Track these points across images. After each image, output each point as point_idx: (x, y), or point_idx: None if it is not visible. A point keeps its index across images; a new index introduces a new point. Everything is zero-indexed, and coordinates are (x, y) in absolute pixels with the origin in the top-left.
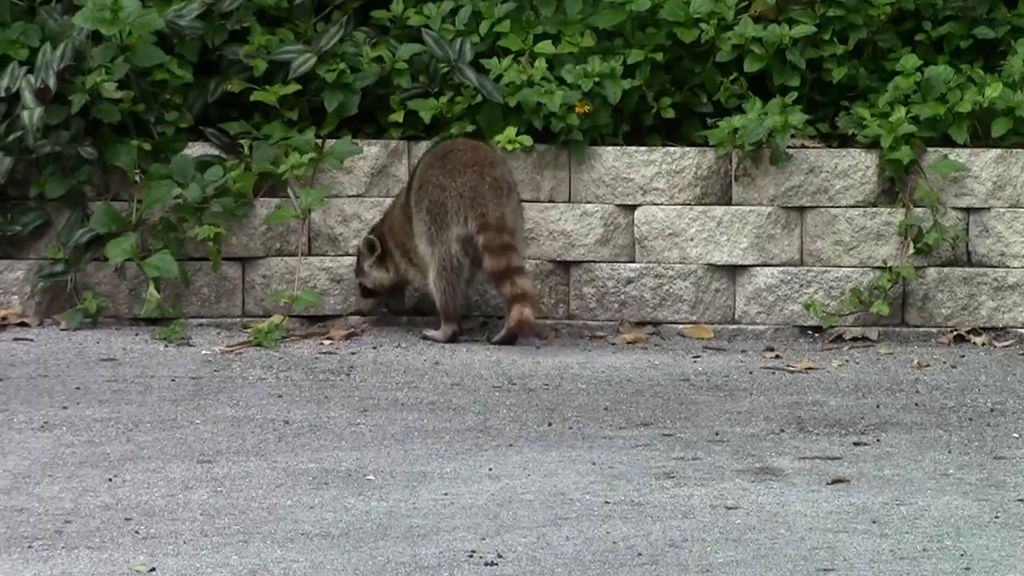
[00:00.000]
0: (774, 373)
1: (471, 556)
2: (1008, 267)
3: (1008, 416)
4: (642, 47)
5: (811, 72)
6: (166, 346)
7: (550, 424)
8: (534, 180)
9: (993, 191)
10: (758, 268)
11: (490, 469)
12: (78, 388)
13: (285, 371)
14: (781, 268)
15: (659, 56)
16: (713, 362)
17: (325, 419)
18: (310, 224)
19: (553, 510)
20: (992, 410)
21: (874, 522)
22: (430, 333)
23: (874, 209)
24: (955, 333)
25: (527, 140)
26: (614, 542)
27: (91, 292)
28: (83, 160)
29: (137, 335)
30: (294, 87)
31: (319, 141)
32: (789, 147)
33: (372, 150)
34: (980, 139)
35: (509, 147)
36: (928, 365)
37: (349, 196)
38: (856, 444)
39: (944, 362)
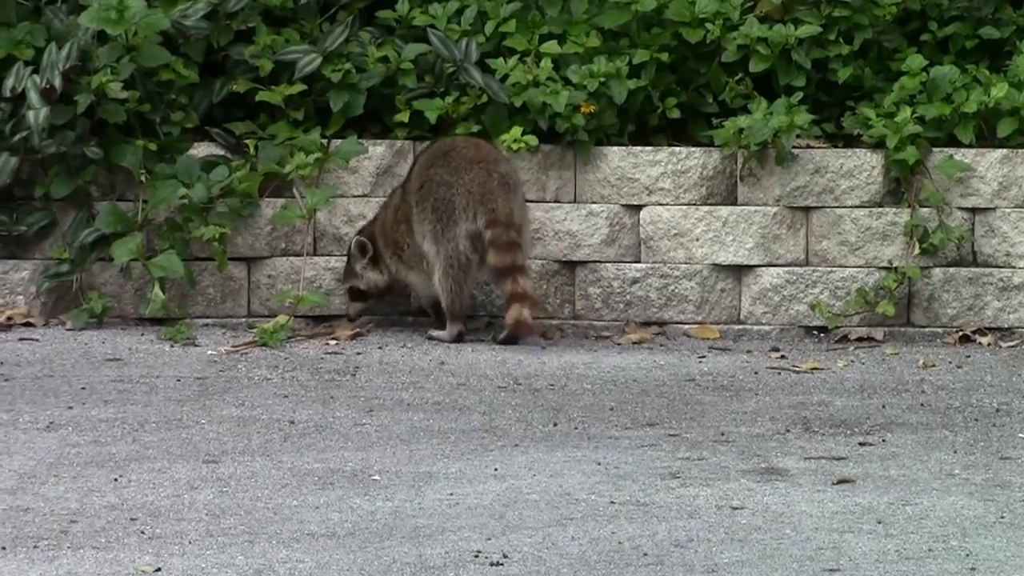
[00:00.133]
0: (780, 373)
1: (477, 556)
2: (1014, 267)
3: (1014, 416)
4: (647, 47)
5: (817, 72)
6: (171, 346)
7: (556, 424)
8: (539, 180)
9: (999, 191)
10: (764, 268)
11: (495, 469)
12: (84, 388)
13: (291, 371)
14: (787, 268)
15: (664, 56)
16: (719, 362)
17: (331, 419)
18: (315, 224)
19: (559, 510)
20: (998, 410)
21: (880, 522)
22: (436, 333)
23: (880, 209)
24: (961, 333)
25: (532, 140)
26: (620, 542)
27: (97, 292)
28: (89, 160)
29: (143, 335)
30: (299, 87)
31: (324, 141)
32: (794, 147)
33: (377, 150)
34: (986, 139)
35: (514, 147)
36: (934, 365)
37: (354, 196)
38: (862, 444)
39: (950, 362)
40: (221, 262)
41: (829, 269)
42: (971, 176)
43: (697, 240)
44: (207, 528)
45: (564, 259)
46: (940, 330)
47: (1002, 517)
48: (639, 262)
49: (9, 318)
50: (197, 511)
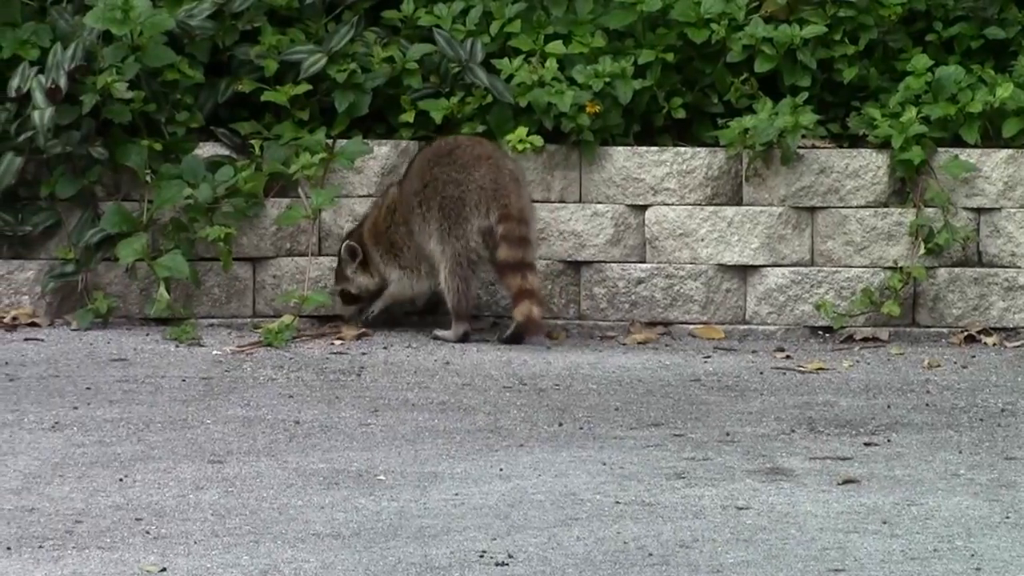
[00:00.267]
0: (785, 373)
1: (482, 556)
2: (1019, 267)
3: (1019, 416)
4: (653, 47)
5: (822, 72)
6: (177, 346)
7: (561, 424)
8: (545, 180)
9: (1004, 191)
10: (769, 268)
11: (501, 469)
12: (89, 388)
13: (296, 371)
14: (792, 268)
15: (670, 56)
16: (724, 362)
17: (336, 419)
18: (320, 224)
19: (564, 510)
20: (1003, 410)
21: (885, 522)
22: (441, 333)
23: (885, 209)
24: (966, 333)
25: (538, 140)
26: (625, 542)
27: (102, 292)
28: (94, 160)
29: (148, 335)
30: (305, 87)
31: (330, 141)
32: (800, 147)
33: (382, 150)
34: (991, 139)
35: (519, 147)
36: (939, 365)
37: (359, 196)
38: (867, 444)
39: (955, 362)
40: (226, 262)
41: (834, 269)
42: (976, 176)
43: (702, 240)
44: (212, 528)
45: (569, 259)
46: (945, 330)
47: (1007, 517)
48: (644, 262)
49: (14, 318)
50: (202, 511)
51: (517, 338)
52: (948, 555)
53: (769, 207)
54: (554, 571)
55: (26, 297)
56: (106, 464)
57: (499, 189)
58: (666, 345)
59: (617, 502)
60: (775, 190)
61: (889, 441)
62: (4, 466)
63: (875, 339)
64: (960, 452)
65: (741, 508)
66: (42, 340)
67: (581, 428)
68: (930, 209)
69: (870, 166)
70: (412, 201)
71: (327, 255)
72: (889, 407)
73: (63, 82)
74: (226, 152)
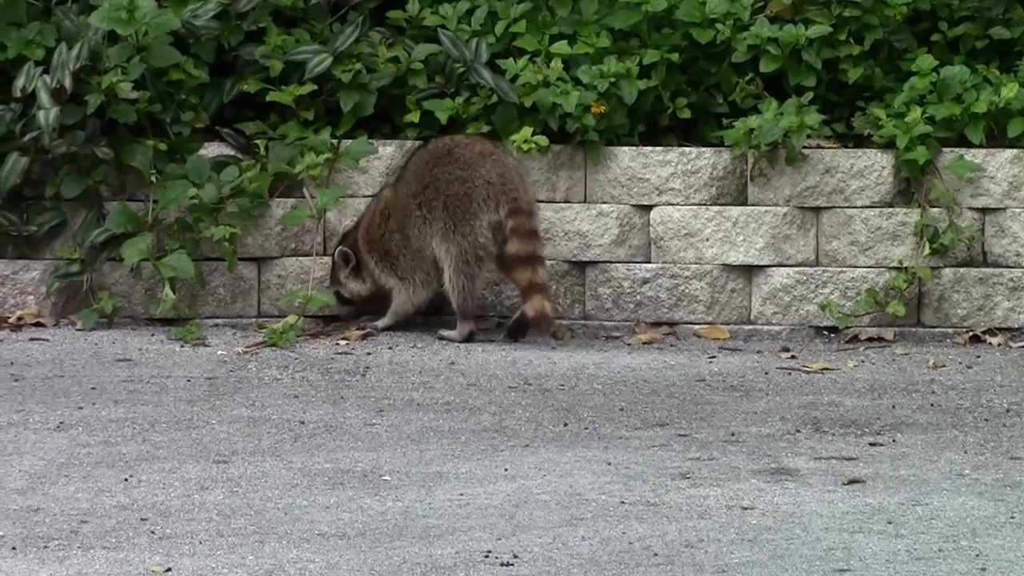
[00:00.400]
0: (790, 373)
1: (487, 556)
2: None
3: None
4: (658, 47)
5: (827, 72)
6: (182, 346)
7: (566, 424)
8: (550, 180)
9: (1009, 191)
10: (774, 268)
11: (506, 469)
12: (94, 388)
13: (301, 371)
14: (797, 268)
15: (675, 56)
16: (729, 362)
17: (341, 419)
18: (325, 224)
19: (569, 510)
20: (1008, 411)
21: (890, 522)
22: (446, 333)
23: (890, 209)
24: (971, 333)
25: (543, 140)
26: (630, 542)
27: (107, 292)
28: (99, 160)
29: (153, 335)
30: (310, 87)
31: (335, 141)
32: (805, 147)
33: (387, 150)
34: (996, 139)
35: (524, 147)
36: (944, 365)
37: (364, 196)
38: (872, 444)
39: (960, 362)
40: (231, 262)
41: (839, 269)
42: (981, 176)
43: (707, 240)
44: (217, 528)
45: (574, 259)
46: (950, 330)
47: (1012, 517)
48: (649, 262)
49: (19, 318)
50: (207, 511)
51: (521, 329)
52: (953, 555)
53: (774, 207)
54: (559, 571)
55: (31, 297)
56: (111, 464)
57: (507, 183)
58: (671, 345)
59: (622, 502)
60: (780, 190)
61: (894, 441)
62: (9, 466)
63: (880, 339)
64: (965, 452)
65: (746, 508)
66: (47, 340)
67: (586, 428)
68: (935, 209)
69: (875, 166)
70: (410, 204)
71: (332, 255)
72: (894, 407)
73: (68, 82)
74: (231, 152)
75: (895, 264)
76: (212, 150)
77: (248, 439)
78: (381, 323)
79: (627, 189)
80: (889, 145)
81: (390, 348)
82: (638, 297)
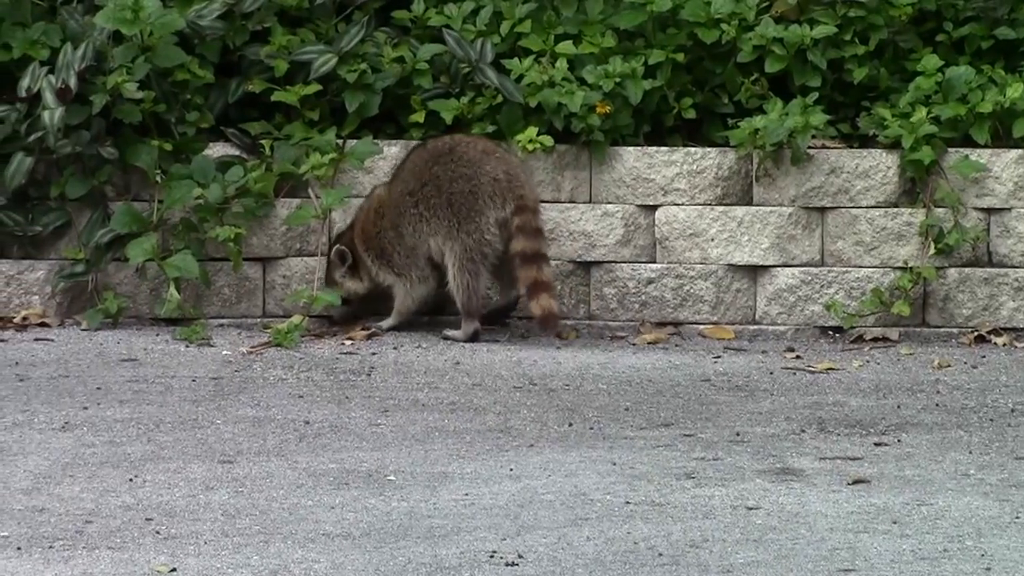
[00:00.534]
0: (795, 373)
1: (492, 556)
2: None
3: None
4: (663, 47)
5: (832, 72)
6: (187, 346)
7: (571, 424)
8: (555, 180)
9: (1014, 191)
10: (779, 268)
11: (511, 469)
12: (99, 388)
13: (306, 371)
14: (802, 268)
15: (680, 56)
16: (734, 362)
17: (346, 419)
18: (330, 224)
19: (574, 510)
20: (1013, 411)
21: (895, 522)
22: (451, 333)
23: (895, 210)
24: (976, 333)
25: (548, 140)
26: (635, 542)
27: (112, 292)
28: (104, 160)
29: (158, 335)
30: (315, 87)
31: (340, 141)
32: (810, 147)
33: (392, 150)
34: (1001, 139)
35: (530, 147)
36: (949, 365)
37: None
38: (877, 444)
39: (965, 362)
40: (236, 262)
41: (844, 269)
42: (986, 176)
43: (712, 240)
44: (222, 528)
45: (579, 259)
46: (955, 330)
47: (1017, 517)
48: (654, 262)
49: (24, 318)
50: (212, 511)
51: (504, 313)
52: (958, 555)
53: (779, 207)
54: (564, 571)
55: (36, 297)
56: (116, 464)
57: (513, 180)
58: (676, 345)
59: (627, 502)
60: (785, 190)
61: (899, 441)
62: (14, 466)
63: (885, 339)
64: (970, 452)
65: (751, 508)
66: (52, 340)
67: (591, 428)
68: (940, 209)
69: (880, 166)
70: (405, 202)
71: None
72: (899, 407)
73: (73, 82)
74: (236, 152)
75: (900, 264)
76: (217, 150)
77: (253, 439)
78: (386, 323)
79: (632, 189)
80: (894, 145)
81: (395, 348)
82: (643, 297)
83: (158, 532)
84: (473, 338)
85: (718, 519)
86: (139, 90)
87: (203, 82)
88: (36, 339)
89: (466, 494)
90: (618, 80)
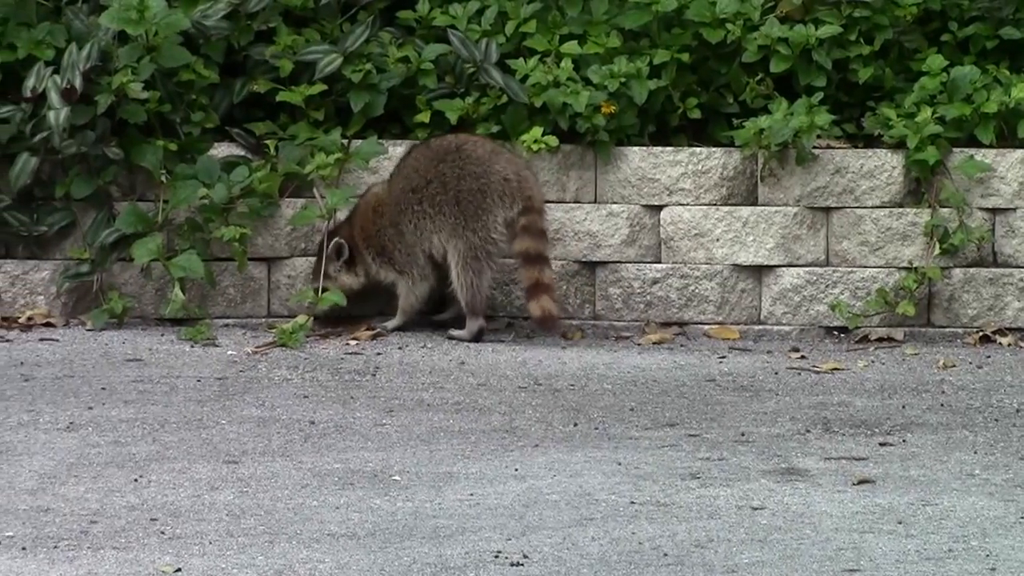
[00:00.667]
0: (800, 374)
1: (497, 556)
2: None
3: None
4: (668, 47)
5: (837, 72)
6: (192, 346)
7: (576, 425)
8: (560, 180)
9: (1019, 191)
10: (784, 268)
11: (516, 470)
12: (104, 388)
13: (311, 371)
14: (807, 268)
15: (685, 56)
16: (739, 363)
17: (351, 420)
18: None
19: (579, 511)
20: (1018, 411)
21: (900, 523)
22: (456, 333)
23: (900, 210)
24: (981, 334)
25: (553, 140)
26: (640, 543)
27: (117, 292)
28: (109, 160)
29: (163, 335)
30: (320, 87)
31: (345, 141)
32: (815, 147)
33: (397, 151)
34: (1006, 140)
35: (534, 147)
36: (954, 366)
37: None
38: (882, 445)
39: (970, 363)
40: (241, 262)
41: (849, 269)
42: (991, 176)
43: (717, 240)
44: (227, 528)
45: (584, 259)
46: (960, 330)
47: (1022, 517)
48: (659, 262)
49: (29, 318)
50: (217, 511)
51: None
52: (963, 555)
53: (784, 207)
54: (569, 571)
55: (41, 297)
56: (121, 464)
57: (523, 181)
58: (681, 345)
59: (632, 502)
60: (790, 190)
61: (904, 441)
62: (19, 466)
63: (890, 339)
64: (975, 452)
65: (756, 508)
66: (57, 340)
67: (596, 428)
68: (945, 209)
69: (885, 166)
70: (408, 199)
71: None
72: (904, 407)
73: (78, 82)
74: (241, 152)
75: (905, 264)
76: (222, 150)
77: (258, 439)
78: (391, 324)
79: (637, 189)
80: (899, 145)
81: (400, 348)
82: (648, 297)
83: (163, 532)
84: (478, 336)
85: (723, 519)
86: (144, 90)
87: (208, 82)
88: (41, 339)
89: (471, 494)
90: (623, 80)
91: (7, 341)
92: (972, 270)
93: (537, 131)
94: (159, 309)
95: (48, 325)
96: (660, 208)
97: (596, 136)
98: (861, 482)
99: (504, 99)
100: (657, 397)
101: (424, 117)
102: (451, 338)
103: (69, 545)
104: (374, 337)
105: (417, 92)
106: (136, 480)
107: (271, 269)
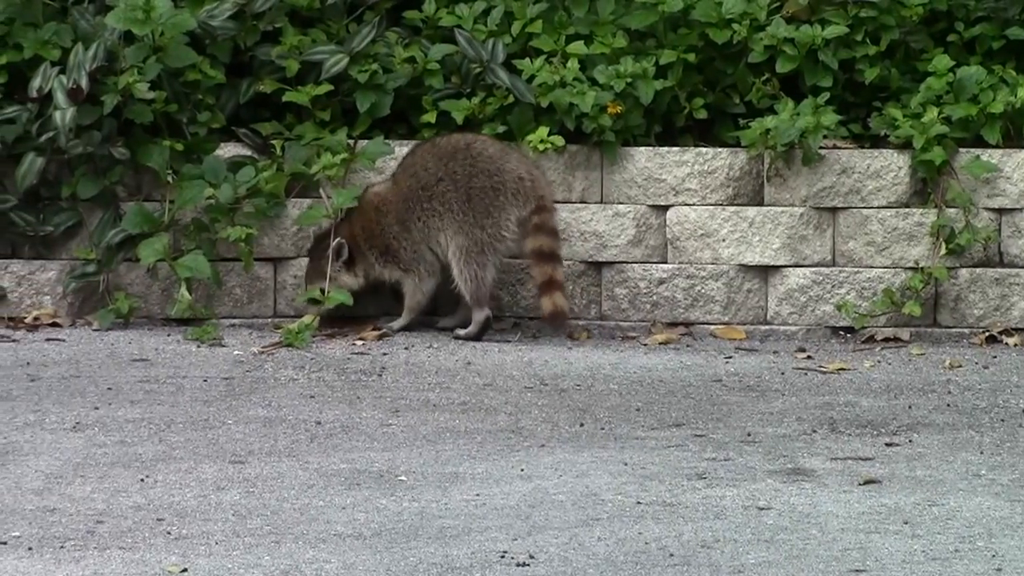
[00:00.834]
0: (806, 374)
1: (503, 557)
2: None
3: None
4: (674, 48)
5: (843, 73)
6: (198, 346)
7: (582, 425)
8: (566, 181)
9: None
10: (790, 269)
11: (522, 470)
12: (110, 388)
13: (317, 372)
14: (813, 269)
15: (691, 57)
16: (745, 363)
17: (357, 420)
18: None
19: (585, 511)
20: None
21: (906, 523)
22: (462, 332)
23: (906, 210)
24: (987, 334)
25: (559, 140)
26: (646, 543)
27: (123, 292)
28: (115, 161)
29: (169, 335)
30: (326, 88)
31: (351, 142)
32: (821, 148)
33: (403, 151)
34: (1012, 140)
35: (541, 147)
36: (960, 366)
37: None
38: (888, 445)
39: (976, 363)
40: (247, 262)
41: (856, 270)
42: (998, 176)
43: (723, 241)
44: (234, 528)
45: (590, 260)
46: (967, 330)
47: None
48: (665, 263)
49: (36, 318)
50: (224, 511)
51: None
52: (969, 555)
53: (790, 207)
54: (575, 571)
55: (48, 297)
56: (127, 464)
57: (534, 180)
58: (687, 346)
59: (638, 502)
60: (796, 190)
61: (910, 441)
62: (26, 466)
63: (896, 339)
64: (981, 452)
65: (762, 508)
66: (63, 340)
67: (602, 428)
68: (951, 209)
69: (891, 166)
70: (418, 197)
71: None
72: (910, 407)
73: (84, 82)
74: (247, 152)
75: (911, 264)
76: (228, 150)
77: (264, 439)
78: (397, 324)
79: (643, 189)
80: (905, 145)
81: (406, 348)
82: (654, 297)
83: (169, 532)
84: (485, 325)
85: (729, 519)
86: (150, 90)
87: (214, 82)
88: (47, 339)
89: (477, 494)
90: (629, 80)
91: (13, 341)
92: (978, 270)
93: (543, 131)
94: (165, 309)
95: (54, 325)
96: (666, 208)
97: (602, 136)
98: (867, 482)
99: (510, 99)
100: (663, 397)
101: (430, 117)
102: (457, 338)
103: (75, 545)
104: (380, 337)
105: (423, 92)
106: (142, 480)
107: (277, 269)
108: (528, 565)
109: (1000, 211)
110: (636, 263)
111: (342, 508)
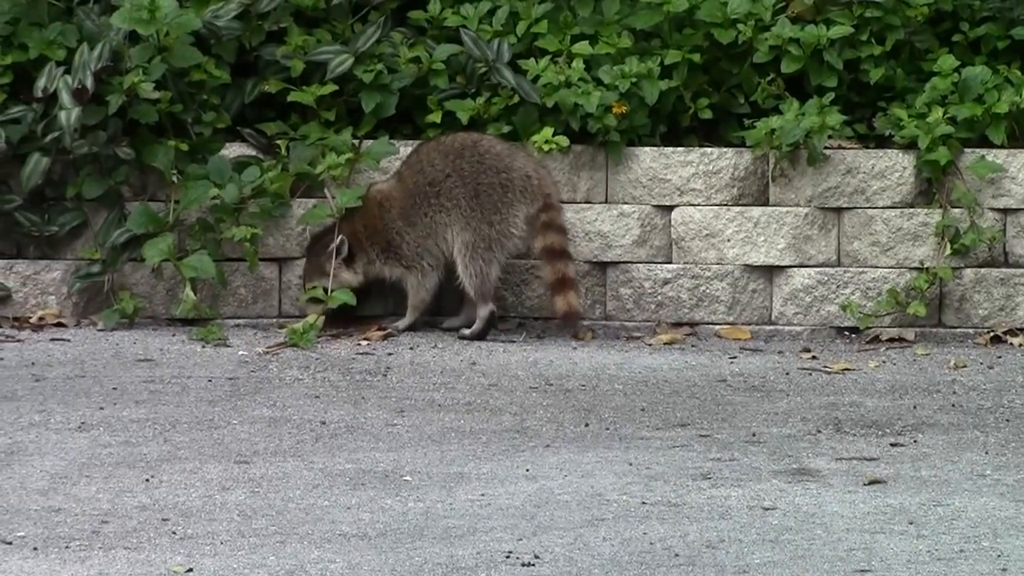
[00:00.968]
0: (811, 374)
1: (508, 557)
2: None
3: None
4: (679, 48)
5: (848, 73)
6: (203, 347)
7: (587, 425)
8: (571, 181)
9: None
10: (795, 269)
11: (527, 470)
12: (115, 388)
13: (322, 372)
14: (818, 269)
15: (696, 57)
16: (750, 363)
17: (362, 420)
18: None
19: (590, 511)
20: None
21: (911, 523)
22: (467, 332)
23: (911, 210)
24: (992, 334)
25: (564, 141)
26: (651, 543)
27: (128, 292)
28: (120, 161)
29: (174, 335)
30: (331, 88)
31: (356, 142)
32: (826, 148)
33: (408, 151)
34: (1017, 140)
35: (545, 147)
36: (965, 366)
37: None
38: (893, 445)
39: (981, 363)
40: (252, 262)
41: (860, 270)
42: (1003, 177)
43: (728, 241)
44: (239, 528)
45: (595, 260)
46: (971, 331)
47: None
48: (670, 263)
49: (41, 318)
50: (229, 512)
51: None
52: (974, 556)
53: (795, 208)
54: (580, 572)
55: (52, 297)
56: (132, 464)
57: (541, 179)
58: (692, 346)
59: (643, 503)
60: (801, 191)
61: (915, 442)
62: (31, 466)
63: (901, 340)
64: (986, 453)
65: (767, 509)
66: (68, 340)
67: (607, 429)
68: (956, 210)
69: (896, 167)
70: (425, 193)
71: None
72: (915, 408)
73: (89, 82)
74: (252, 152)
75: (916, 265)
76: (233, 150)
77: (269, 439)
78: (402, 323)
79: (648, 189)
80: (910, 146)
81: (411, 348)
82: (659, 297)
83: (174, 532)
84: (489, 322)
85: (734, 519)
86: (155, 90)
87: (219, 82)
88: (52, 339)
89: (482, 494)
90: (634, 80)
91: (19, 341)
92: (983, 270)
93: (548, 131)
94: (170, 309)
95: (59, 325)
96: (671, 208)
97: (607, 136)
98: (872, 482)
99: (515, 99)
100: (668, 397)
101: (435, 117)
102: (463, 337)
103: (80, 545)
104: (385, 337)
105: (428, 92)
106: (147, 480)
107: (282, 269)
108: (533, 565)
109: (1005, 211)
110: (641, 263)
111: (347, 508)
